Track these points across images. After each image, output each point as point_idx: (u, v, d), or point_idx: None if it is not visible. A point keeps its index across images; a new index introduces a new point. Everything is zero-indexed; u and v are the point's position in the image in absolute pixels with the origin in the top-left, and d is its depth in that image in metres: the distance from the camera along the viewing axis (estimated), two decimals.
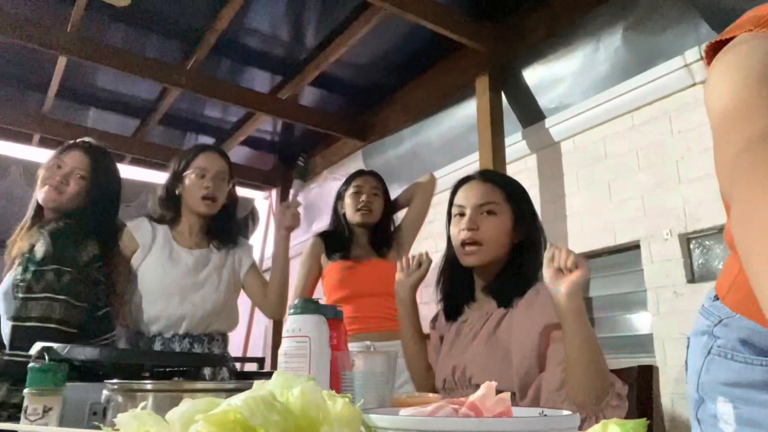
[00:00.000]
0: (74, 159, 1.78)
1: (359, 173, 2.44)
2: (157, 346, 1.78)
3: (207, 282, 1.86)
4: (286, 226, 1.96)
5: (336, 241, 2.33)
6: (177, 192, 1.91)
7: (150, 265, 1.85)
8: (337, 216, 2.39)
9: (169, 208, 1.92)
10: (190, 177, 1.89)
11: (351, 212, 2.31)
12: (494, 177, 1.37)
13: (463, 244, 1.27)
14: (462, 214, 1.30)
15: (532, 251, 1.28)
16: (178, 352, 1.76)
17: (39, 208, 1.78)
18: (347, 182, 2.39)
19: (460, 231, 1.28)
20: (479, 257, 1.26)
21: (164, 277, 1.83)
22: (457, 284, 1.35)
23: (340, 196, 2.40)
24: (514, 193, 1.33)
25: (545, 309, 1.15)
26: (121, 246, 1.86)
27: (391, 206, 2.43)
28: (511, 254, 1.28)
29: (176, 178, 1.92)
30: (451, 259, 1.36)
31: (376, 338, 2.09)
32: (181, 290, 1.83)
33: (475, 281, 1.34)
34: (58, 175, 1.75)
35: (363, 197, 2.29)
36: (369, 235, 2.34)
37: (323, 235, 2.39)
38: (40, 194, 1.75)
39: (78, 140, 1.85)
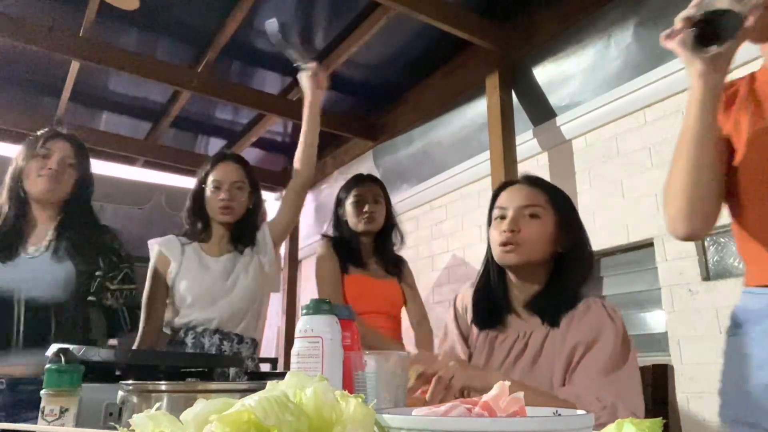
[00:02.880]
0: (61, 147, 1.74)
1: (359, 180, 2.42)
2: (189, 340, 1.85)
3: (237, 284, 1.94)
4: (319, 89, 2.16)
5: (346, 250, 2.31)
6: (201, 205, 2.00)
7: (182, 276, 1.92)
8: (340, 223, 2.36)
9: (198, 218, 2.00)
10: (208, 190, 1.97)
11: (353, 221, 2.30)
12: (540, 181, 1.33)
13: (502, 244, 1.24)
14: (503, 217, 1.26)
15: (576, 263, 1.24)
16: (192, 352, 1.78)
17: (23, 201, 1.72)
18: (347, 189, 2.37)
19: (500, 233, 1.25)
20: (516, 256, 1.22)
21: (195, 286, 1.90)
22: (493, 292, 1.30)
23: (340, 203, 2.37)
24: (559, 200, 1.29)
25: (582, 328, 1.12)
26: (154, 263, 1.95)
27: (393, 213, 2.43)
28: (554, 266, 1.24)
29: (199, 192, 2.00)
30: (490, 264, 1.32)
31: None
32: (212, 296, 1.90)
33: (514, 295, 1.29)
34: (51, 161, 1.70)
35: (366, 207, 2.28)
36: (374, 244, 2.34)
37: (333, 244, 2.35)
38: (33, 184, 1.69)
39: (53, 129, 1.80)
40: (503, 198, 1.30)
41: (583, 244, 1.27)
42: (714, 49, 0.93)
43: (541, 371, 1.15)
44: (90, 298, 1.72)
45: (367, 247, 2.33)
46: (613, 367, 1.07)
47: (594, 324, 1.13)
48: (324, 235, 2.40)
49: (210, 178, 1.98)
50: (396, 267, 2.38)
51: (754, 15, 0.90)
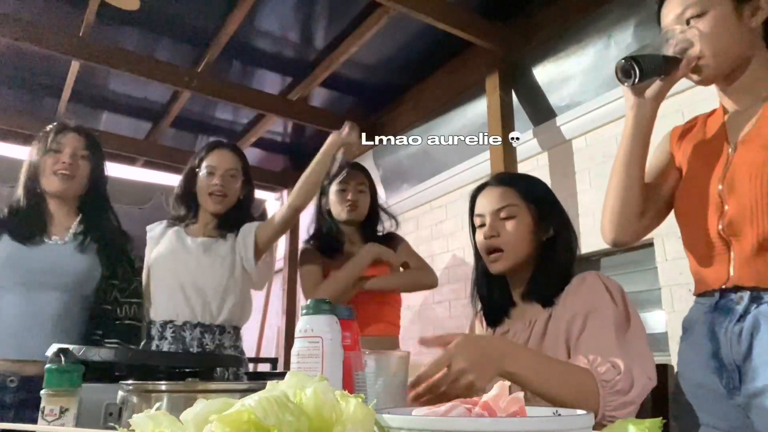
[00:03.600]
0: (71, 140, 1.72)
1: (343, 168, 2.33)
2: (168, 334, 1.83)
3: (211, 268, 1.89)
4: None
5: (328, 242, 2.25)
6: (192, 189, 1.97)
7: (158, 253, 1.91)
8: (321, 213, 2.30)
9: (186, 204, 1.99)
10: (201, 175, 1.94)
11: (337, 209, 2.25)
12: (508, 178, 1.35)
13: (487, 252, 1.26)
14: (483, 224, 1.28)
15: (562, 245, 1.26)
16: (193, 352, 1.78)
17: (39, 197, 1.71)
18: (331, 177, 2.29)
19: (482, 240, 1.26)
20: (504, 263, 1.24)
21: (170, 263, 1.88)
22: (494, 291, 1.32)
23: (323, 191, 2.30)
24: (531, 190, 1.30)
25: (581, 297, 1.13)
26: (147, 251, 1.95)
27: (377, 201, 2.37)
28: (541, 252, 1.26)
29: (191, 176, 1.98)
30: (482, 268, 1.33)
31: (371, 344, 2.05)
32: (186, 275, 1.87)
33: (512, 287, 1.31)
34: (63, 156, 1.69)
35: (349, 195, 2.23)
36: (360, 233, 2.29)
37: (314, 241, 2.28)
38: (49, 182, 1.69)
39: (61, 122, 1.79)
40: (478, 204, 1.31)
41: (565, 226, 1.29)
42: (629, 83, 1.11)
43: (546, 352, 1.15)
44: (105, 306, 1.68)
45: (352, 237, 2.27)
46: (620, 333, 1.08)
47: (590, 294, 1.14)
48: (305, 243, 2.32)
49: (204, 164, 1.95)
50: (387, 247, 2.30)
51: (684, 63, 1.10)
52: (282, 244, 5.23)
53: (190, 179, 1.98)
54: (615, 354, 1.03)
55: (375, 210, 2.35)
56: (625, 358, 1.02)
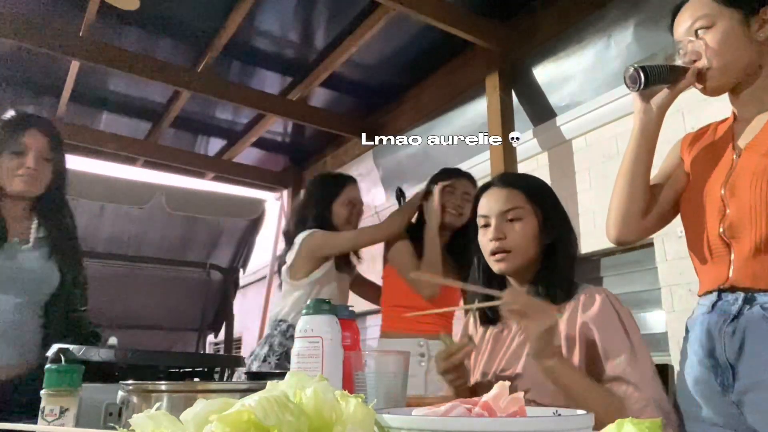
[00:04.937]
0: (36, 141, 1.61)
1: (454, 172, 2.23)
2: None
3: None
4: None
5: (420, 240, 2.13)
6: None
7: None
8: (420, 212, 2.20)
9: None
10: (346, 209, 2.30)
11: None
12: (514, 180, 1.35)
13: (492, 253, 1.27)
14: (487, 225, 1.28)
15: (564, 249, 1.27)
16: (192, 352, 1.78)
17: None
18: (436, 178, 2.19)
19: (488, 241, 1.27)
20: (509, 264, 1.25)
21: None
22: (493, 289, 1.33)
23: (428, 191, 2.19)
24: (537, 194, 1.31)
25: (592, 319, 1.15)
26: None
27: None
28: (544, 255, 1.27)
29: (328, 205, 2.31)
30: (483, 267, 1.34)
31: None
32: None
33: (510, 286, 1.31)
34: (28, 160, 1.59)
35: (455, 200, 2.13)
36: (448, 240, 2.18)
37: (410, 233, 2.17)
38: (10, 183, 1.58)
39: (22, 115, 1.67)
40: (483, 204, 1.31)
41: (567, 231, 1.30)
42: (635, 89, 1.18)
43: None
44: (75, 314, 1.64)
45: (441, 242, 2.14)
46: (634, 365, 1.11)
47: (604, 323, 1.15)
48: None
49: (346, 194, 2.30)
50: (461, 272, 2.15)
51: (689, 74, 1.16)
52: (281, 247, 5.21)
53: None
54: (645, 384, 1.09)
55: (467, 227, 2.11)
56: (652, 390, 1.09)
